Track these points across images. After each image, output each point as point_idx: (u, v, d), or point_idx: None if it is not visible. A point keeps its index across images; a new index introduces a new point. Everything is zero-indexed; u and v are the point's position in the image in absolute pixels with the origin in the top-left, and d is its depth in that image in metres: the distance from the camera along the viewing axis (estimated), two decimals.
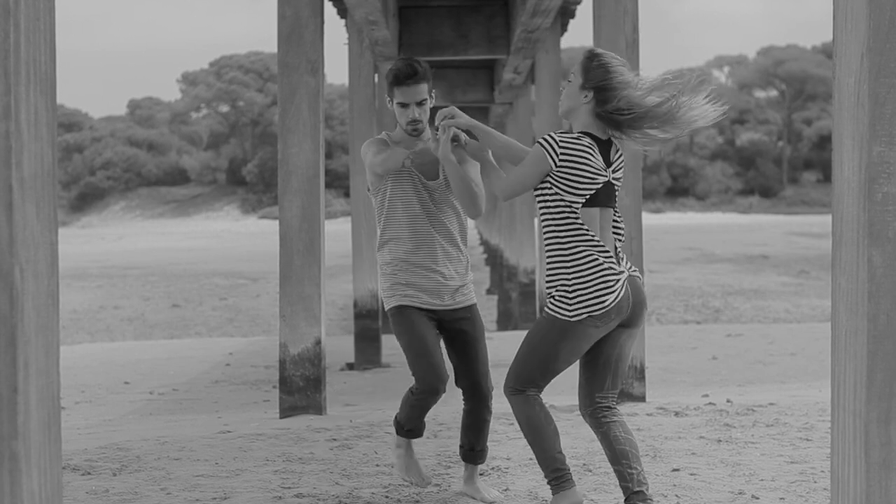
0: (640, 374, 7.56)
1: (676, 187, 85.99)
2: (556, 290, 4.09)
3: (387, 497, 4.80)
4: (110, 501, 4.83)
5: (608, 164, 4.14)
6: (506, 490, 4.90)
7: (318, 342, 7.57)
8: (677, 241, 47.70)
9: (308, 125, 7.61)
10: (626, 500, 4.10)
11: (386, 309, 4.74)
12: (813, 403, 7.20)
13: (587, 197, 4.08)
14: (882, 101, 2.46)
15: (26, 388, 2.17)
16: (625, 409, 7.13)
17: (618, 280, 4.04)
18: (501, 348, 15.05)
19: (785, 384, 9.76)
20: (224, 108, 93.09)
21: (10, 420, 2.15)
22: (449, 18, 12.82)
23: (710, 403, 7.26)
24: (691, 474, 5.12)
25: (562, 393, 9.78)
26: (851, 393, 2.54)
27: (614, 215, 4.21)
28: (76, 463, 5.61)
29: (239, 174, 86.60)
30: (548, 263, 4.15)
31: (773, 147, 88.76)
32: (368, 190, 4.80)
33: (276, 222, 8.13)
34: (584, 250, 4.05)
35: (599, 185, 4.09)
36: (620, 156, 4.22)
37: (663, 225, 63.01)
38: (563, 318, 4.04)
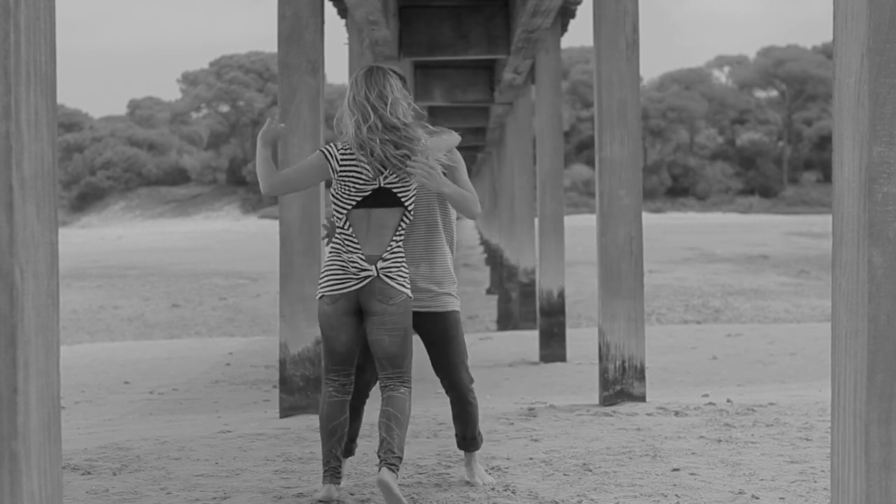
0: (640, 374, 7.55)
1: (677, 187, 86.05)
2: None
3: None
4: (110, 501, 4.83)
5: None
6: (506, 489, 4.90)
7: (319, 342, 7.57)
8: (677, 240, 47.73)
9: (308, 126, 7.60)
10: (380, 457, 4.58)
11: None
12: (813, 403, 7.19)
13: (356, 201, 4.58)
14: (882, 101, 2.46)
15: (26, 388, 2.17)
16: (625, 408, 7.13)
17: (347, 271, 4.56)
18: (501, 348, 15.06)
19: (785, 384, 9.76)
20: (224, 108, 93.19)
21: (10, 420, 2.15)
22: (449, 18, 12.80)
23: (710, 403, 7.25)
24: (691, 474, 5.12)
25: (561, 393, 9.78)
26: (851, 393, 2.54)
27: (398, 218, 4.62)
28: (76, 463, 5.61)
29: (239, 174, 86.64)
30: None
31: (773, 147, 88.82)
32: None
33: (277, 222, 8.13)
34: (336, 243, 4.64)
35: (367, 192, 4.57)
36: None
37: (663, 225, 63.02)
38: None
